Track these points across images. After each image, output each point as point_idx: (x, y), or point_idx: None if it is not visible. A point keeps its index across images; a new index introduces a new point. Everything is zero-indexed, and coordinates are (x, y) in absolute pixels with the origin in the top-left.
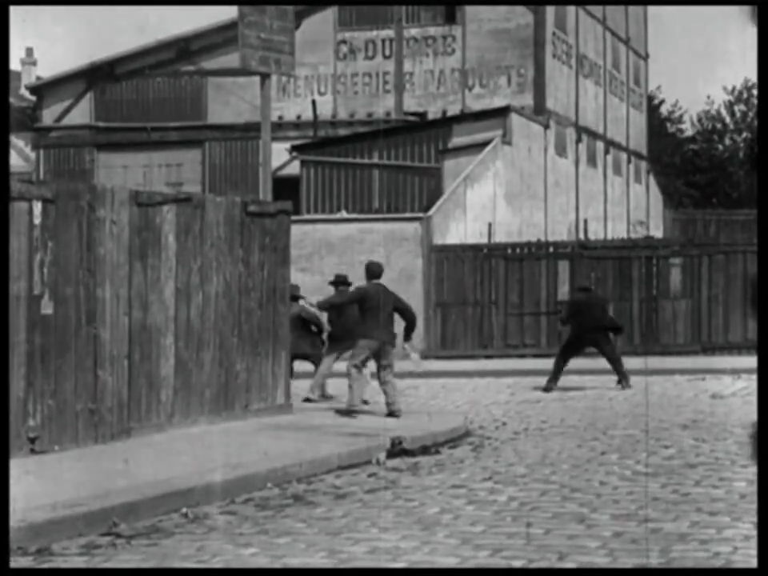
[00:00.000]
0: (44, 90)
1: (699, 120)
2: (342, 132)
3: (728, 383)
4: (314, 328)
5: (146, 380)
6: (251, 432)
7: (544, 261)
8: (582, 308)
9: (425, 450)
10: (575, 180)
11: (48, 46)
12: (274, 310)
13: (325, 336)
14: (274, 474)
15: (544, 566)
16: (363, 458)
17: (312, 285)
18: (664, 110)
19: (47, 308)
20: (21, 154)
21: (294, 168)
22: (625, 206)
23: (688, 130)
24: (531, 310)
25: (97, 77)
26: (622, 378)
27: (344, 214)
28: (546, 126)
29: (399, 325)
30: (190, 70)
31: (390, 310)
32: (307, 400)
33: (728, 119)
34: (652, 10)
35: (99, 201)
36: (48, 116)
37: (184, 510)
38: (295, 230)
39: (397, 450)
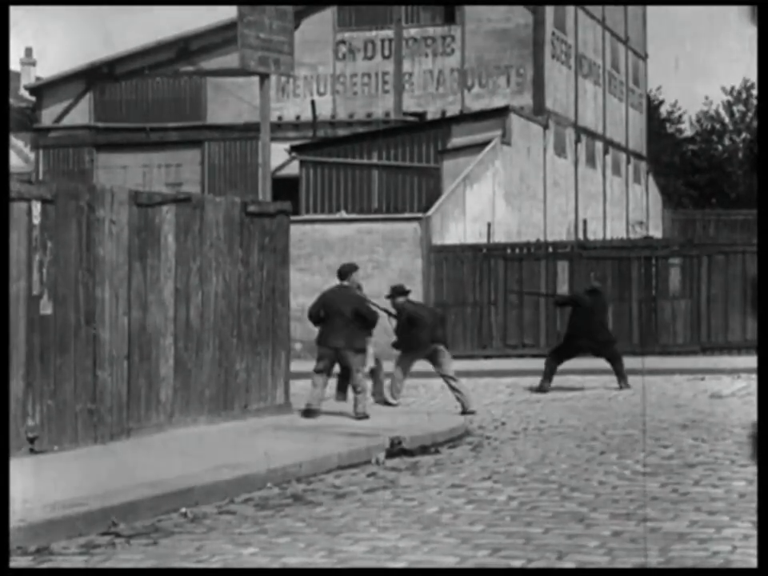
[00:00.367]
0: (43, 90)
1: (698, 120)
2: (342, 132)
3: (727, 383)
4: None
5: (146, 380)
6: (250, 432)
7: (543, 261)
8: (584, 311)
9: (424, 450)
10: (574, 180)
11: (47, 46)
12: (273, 310)
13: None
14: (274, 474)
15: (543, 566)
16: (363, 458)
17: (311, 285)
18: (663, 110)
19: (46, 308)
20: (20, 154)
21: (294, 168)
22: (624, 206)
23: (687, 130)
24: (531, 309)
25: (96, 77)
26: (622, 379)
27: (343, 215)
28: (546, 126)
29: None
30: (190, 71)
31: (347, 314)
32: (387, 404)
33: (727, 119)
34: (651, 10)
35: (98, 201)
36: (47, 116)
37: (183, 509)
38: (294, 230)
39: (396, 449)
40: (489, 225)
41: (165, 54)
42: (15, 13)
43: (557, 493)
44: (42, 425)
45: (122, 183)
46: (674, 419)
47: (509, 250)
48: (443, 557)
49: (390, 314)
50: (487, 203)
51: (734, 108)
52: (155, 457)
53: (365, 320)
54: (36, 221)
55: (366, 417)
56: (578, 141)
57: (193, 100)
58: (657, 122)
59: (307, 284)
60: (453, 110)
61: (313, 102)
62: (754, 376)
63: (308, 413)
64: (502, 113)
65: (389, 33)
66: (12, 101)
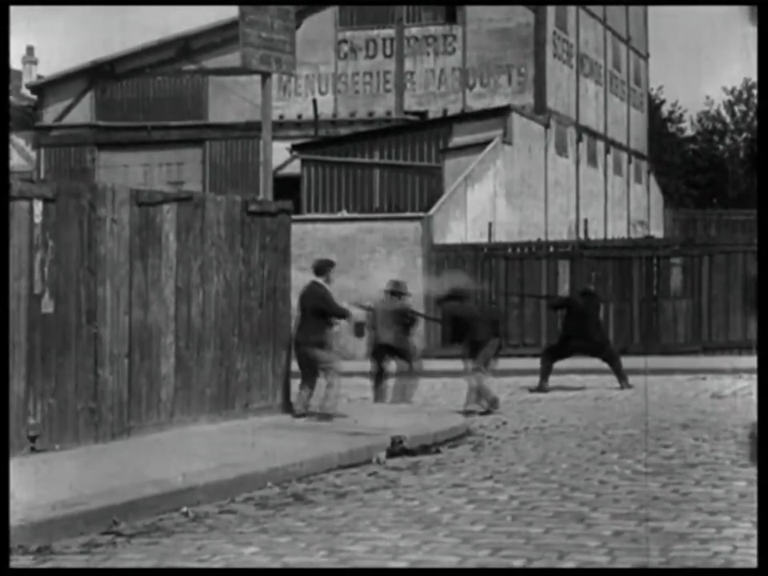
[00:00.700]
0: (45, 88)
1: (699, 120)
2: (343, 131)
3: (728, 383)
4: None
5: (147, 379)
6: (251, 431)
7: (544, 260)
8: (579, 314)
9: (425, 449)
10: (576, 180)
11: (49, 44)
12: (274, 309)
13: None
14: (274, 473)
15: (544, 566)
16: (363, 457)
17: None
18: (664, 109)
19: (48, 307)
20: (21, 153)
21: (295, 167)
22: (625, 206)
23: (688, 129)
24: (532, 309)
25: (98, 76)
26: (622, 378)
27: (344, 214)
28: (547, 126)
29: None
30: (191, 69)
31: (308, 309)
32: (469, 413)
33: (728, 119)
34: (653, 9)
35: (100, 200)
36: (49, 115)
37: (184, 508)
38: (296, 229)
39: (397, 449)
40: (490, 224)
41: (166, 53)
42: (16, 12)
43: (558, 492)
44: (43, 424)
45: (124, 182)
46: (675, 419)
47: (510, 250)
48: (444, 556)
49: (426, 317)
50: (488, 203)
51: (735, 108)
52: (156, 456)
53: (325, 315)
54: (37, 219)
55: (327, 417)
56: (579, 140)
57: (194, 99)
58: (658, 121)
59: None
60: (454, 110)
61: (314, 101)
62: (755, 376)
63: (298, 415)
64: (503, 112)
65: (390, 32)
66: (13, 99)
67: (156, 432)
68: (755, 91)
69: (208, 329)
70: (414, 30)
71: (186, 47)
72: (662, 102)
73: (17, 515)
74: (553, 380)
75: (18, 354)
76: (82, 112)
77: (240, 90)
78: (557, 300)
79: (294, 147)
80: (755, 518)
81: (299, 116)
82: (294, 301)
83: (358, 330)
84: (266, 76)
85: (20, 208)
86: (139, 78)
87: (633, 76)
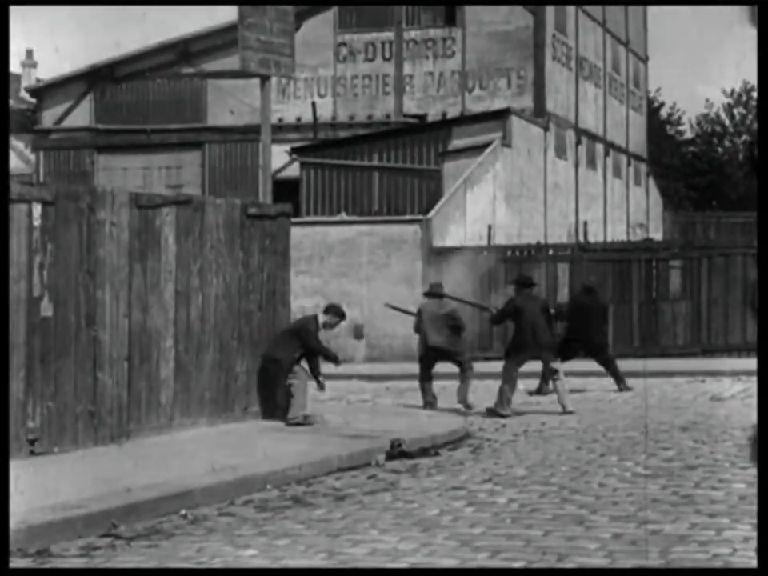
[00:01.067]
0: (44, 92)
1: (698, 123)
2: (342, 134)
3: (727, 385)
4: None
5: (146, 382)
6: (251, 434)
7: (544, 263)
8: (583, 313)
9: (424, 452)
10: (575, 182)
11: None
12: (273, 312)
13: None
14: (274, 476)
15: (543, 567)
16: (362, 460)
17: (312, 287)
18: (663, 112)
19: (47, 310)
20: (21, 156)
21: (294, 170)
22: (624, 209)
23: (687, 132)
24: None
25: (97, 79)
26: (620, 381)
27: (344, 217)
28: (546, 129)
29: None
30: (190, 72)
31: (290, 332)
32: (494, 413)
33: (727, 122)
34: (652, 12)
35: (99, 203)
36: (48, 118)
37: (183, 511)
38: (295, 232)
39: (396, 451)
40: (489, 227)
41: (165, 56)
42: (16, 13)
43: (557, 495)
44: (43, 426)
45: (123, 185)
46: (674, 421)
47: (509, 252)
48: (443, 559)
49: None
50: (488, 205)
51: (735, 110)
52: (155, 459)
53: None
54: (36, 223)
55: (297, 424)
56: (578, 143)
57: (193, 102)
58: (657, 123)
59: (308, 286)
60: (453, 112)
61: (313, 104)
62: (755, 378)
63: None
64: (502, 115)
65: (389, 35)
66: (13, 102)
67: (155, 435)
68: (754, 94)
69: (207, 332)
70: (413, 33)
71: (185, 50)
72: (661, 104)
73: (16, 518)
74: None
75: (17, 357)
76: (82, 115)
77: (239, 93)
78: (566, 313)
79: (293, 150)
80: (755, 520)
81: (298, 119)
82: (294, 304)
83: (357, 332)
84: (264, 79)
85: (19, 211)
86: (138, 81)
87: (632, 79)
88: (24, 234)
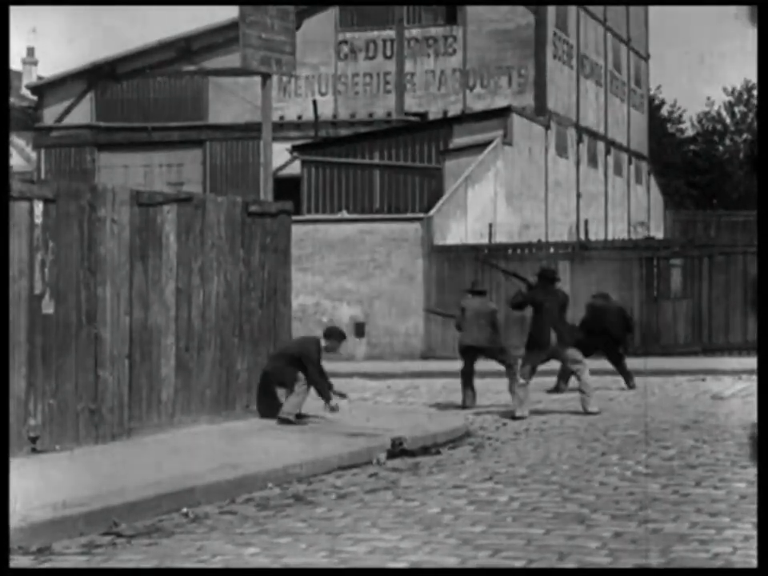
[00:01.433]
0: (45, 89)
1: (699, 121)
2: (343, 132)
3: (728, 384)
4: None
5: (147, 380)
6: (252, 432)
7: (544, 261)
8: (600, 313)
9: (425, 451)
10: (576, 180)
11: (49, 45)
12: (274, 310)
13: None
14: (275, 474)
15: (544, 566)
16: (364, 459)
17: (312, 285)
18: (664, 110)
19: (48, 308)
20: (22, 153)
21: (295, 168)
22: (625, 207)
23: (688, 130)
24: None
25: (98, 76)
26: (629, 379)
27: (345, 215)
28: (547, 127)
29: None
30: (191, 70)
31: (292, 355)
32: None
33: (728, 120)
34: (653, 10)
35: (100, 200)
36: (49, 116)
37: (184, 509)
38: (296, 230)
39: (397, 450)
40: (490, 225)
41: (166, 54)
42: (16, 12)
43: (558, 494)
44: (44, 424)
45: (124, 183)
46: (675, 420)
47: (510, 251)
48: (444, 557)
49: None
50: (489, 203)
51: (735, 109)
52: (156, 457)
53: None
54: (38, 220)
55: (287, 421)
56: (579, 141)
57: (194, 100)
58: (657, 121)
59: (309, 284)
60: (454, 111)
61: (314, 102)
62: (755, 377)
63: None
64: (503, 113)
65: (390, 33)
66: (13, 100)
67: (156, 433)
68: (755, 92)
69: (208, 330)
70: (415, 32)
71: (186, 48)
72: (662, 102)
73: (17, 516)
74: (553, 381)
75: (18, 354)
76: (82, 113)
77: (240, 91)
78: (586, 316)
79: (294, 148)
80: (755, 520)
81: (299, 117)
82: (295, 302)
83: (358, 330)
84: (266, 77)
85: (20, 209)
86: (139, 79)
87: (633, 77)
88: (25, 232)
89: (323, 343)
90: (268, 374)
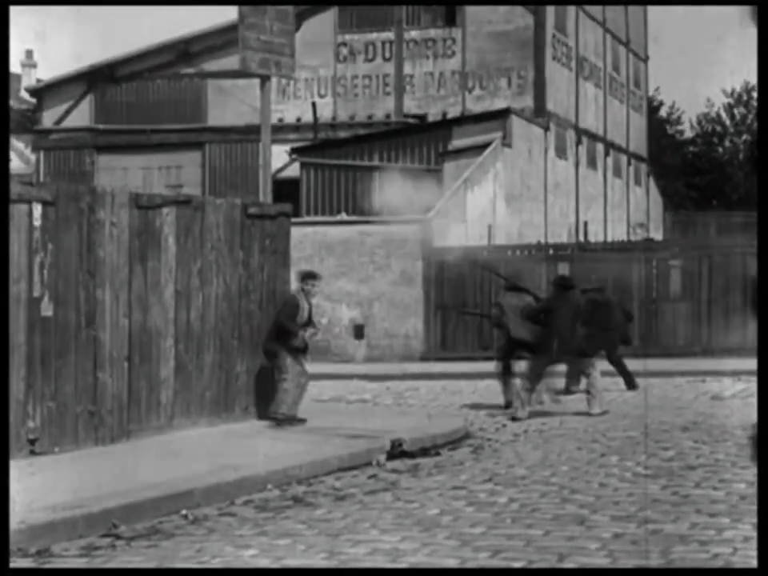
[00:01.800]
0: (44, 92)
1: (699, 122)
2: (342, 134)
3: (728, 385)
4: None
5: (146, 382)
6: (251, 434)
7: (544, 263)
8: (604, 308)
9: (424, 452)
10: (575, 182)
11: (48, 48)
12: (274, 312)
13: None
14: (274, 476)
15: (544, 567)
16: (363, 460)
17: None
18: (663, 111)
19: (47, 310)
20: (21, 156)
21: (294, 170)
22: (625, 208)
23: (687, 131)
24: None
25: (97, 79)
26: (630, 379)
27: (344, 217)
28: (546, 128)
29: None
30: (190, 73)
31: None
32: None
33: (728, 122)
34: (652, 12)
35: (99, 203)
36: (48, 118)
37: (184, 511)
38: (295, 232)
39: (397, 451)
40: (489, 227)
41: (165, 56)
42: (15, 13)
43: (557, 495)
44: (43, 426)
45: (123, 185)
46: (674, 421)
47: (510, 252)
48: (444, 559)
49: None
50: (488, 205)
51: (735, 110)
52: (155, 459)
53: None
54: (37, 223)
55: (274, 420)
56: (578, 143)
57: (193, 102)
58: (657, 123)
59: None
60: (454, 112)
61: (314, 104)
62: (755, 378)
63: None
64: (502, 115)
65: (389, 35)
66: (13, 102)
67: (155, 435)
68: (755, 94)
69: (207, 332)
70: (414, 33)
71: (185, 50)
72: (660, 103)
73: (16, 518)
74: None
75: (17, 356)
76: (81, 115)
77: (239, 93)
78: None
79: (294, 150)
80: (755, 520)
81: (298, 119)
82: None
83: (358, 332)
84: (265, 79)
85: (19, 211)
86: (138, 81)
87: (632, 78)
88: (24, 234)
89: (303, 287)
90: (264, 365)
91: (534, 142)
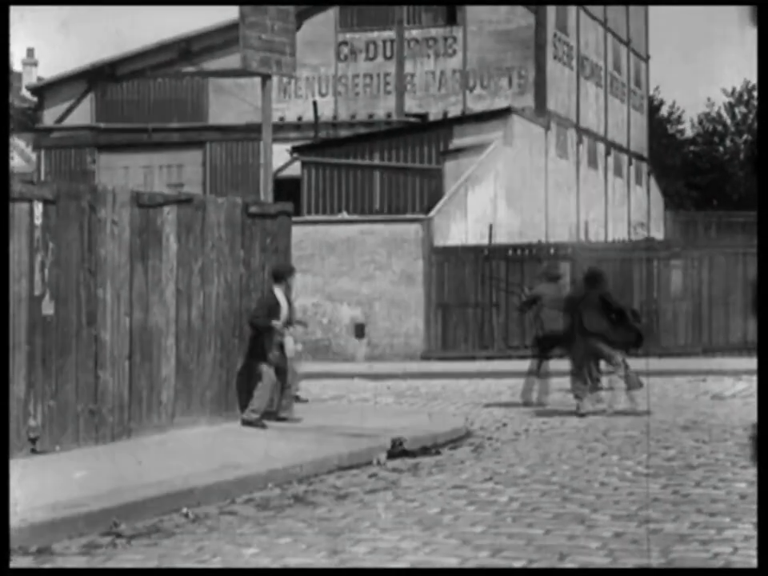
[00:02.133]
0: (45, 90)
1: (700, 122)
2: (343, 133)
3: (728, 384)
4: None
5: (147, 381)
6: (252, 432)
7: (545, 262)
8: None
9: (425, 451)
10: (576, 181)
11: (49, 46)
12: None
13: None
14: (275, 475)
15: (544, 567)
16: (364, 459)
17: (313, 286)
18: (664, 111)
19: (48, 309)
20: (22, 154)
21: (295, 169)
22: (625, 208)
23: (687, 131)
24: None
25: (98, 77)
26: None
27: (345, 216)
28: (547, 128)
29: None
30: (191, 71)
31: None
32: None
33: (728, 121)
34: (653, 11)
35: (100, 202)
36: (49, 117)
37: (185, 510)
38: (296, 231)
39: (397, 450)
40: (490, 226)
41: (167, 55)
42: (16, 13)
43: (558, 494)
44: (44, 425)
45: (124, 184)
46: (675, 420)
47: (510, 252)
48: (444, 558)
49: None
50: (489, 204)
51: (736, 110)
52: (156, 457)
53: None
54: (38, 221)
55: (248, 423)
56: (579, 142)
57: (194, 101)
58: (656, 122)
59: (309, 285)
60: (454, 111)
61: (314, 103)
62: (755, 377)
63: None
64: (503, 114)
65: (390, 34)
66: (13, 101)
67: (156, 434)
68: (755, 93)
69: (208, 331)
70: (415, 32)
71: (186, 49)
72: (661, 102)
73: (17, 516)
74: (553, 383)
75: (18, 355)
76: (83, 114)
77: (240, 92)
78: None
79: (294, 149)
80: (755, 520)
81: (299, 118)
82: (295, 303)
83: (358, 331)
84: (266, 78)
85: (20, 210)
86: (139, 80)
87: (633, 78)
88: (25, 233)
89: (277, 288)
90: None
91: (534, 141)
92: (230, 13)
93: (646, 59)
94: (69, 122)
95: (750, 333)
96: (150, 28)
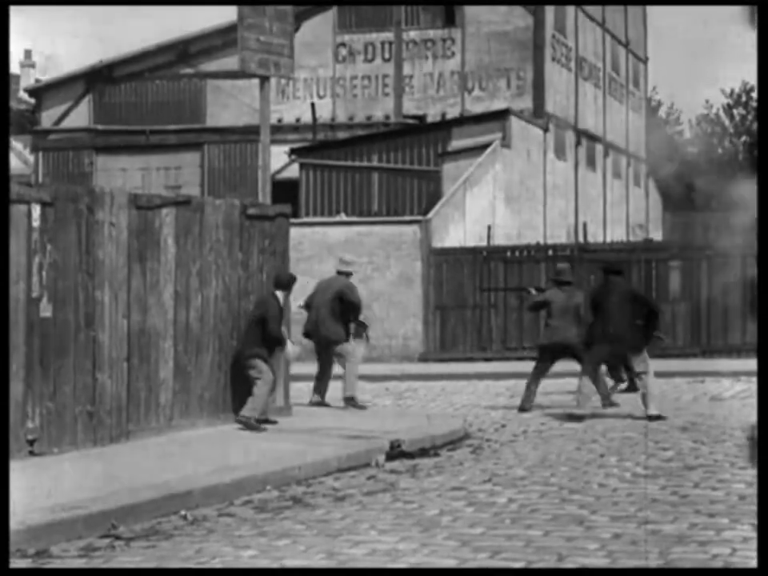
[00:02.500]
0: (43, 92)
1: (699, 123)
2: (341, 135)
3: (727, 386)
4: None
5: (145, 383)
6: (250, 434)
7: (543, 264)
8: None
9: (424, 453)
10: (574, 183)
11: (47, 48)
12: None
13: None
14: (273, 477)
15: (543, 568)
16: (362, 461)
17: (311, 288)
18: (662, 112)
19: (46, 311)
20: (20, 156)
21: (293, 171)
22: (624, 209)
23: (686, 132)
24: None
25: (96, 79)
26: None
27: (343, 217)
28: (546, 129)
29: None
30: (189, 73)
31: (256, 319)
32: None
33: (727, 122)
34: (651, 12)
35: (98, 204)
36: (47, 119)
37: (183, 512)
38: (294, 232)
39: (396, 452)
40: (489, 228)
41: (165, 57)
42: (15, 14)
43: (557, 495)
44: (42, 427)
45: (122, 186)
46: (673, 422)
47: (509, 253)
48: (443, 559)
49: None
50: (487, 206)
51: (734, 111)
52: (154, 459)
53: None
54: (35, 223)
55: (244, 424)
56: (578, 143)
57: (192, 103)
58: (654, 124)
59: (307, 287)
60: (453, 113)
61: (313, 105)
62: (754, 379)
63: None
64: (502, 116)
65: (389, 35)
66: (11, 103)
67: (154, 436)
68: (754, 94)
69: (207, 333)
70: (413, 34)
71: (184, 51)
72: (659, 103)
73: (15, 518)
74: (552, 384)
75: (16, 357)
76: (80, 116)
77: (238, 94)
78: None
79: (293, 151)
80: (754, 521)
81: (298, 120)
82: (294, 305)
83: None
84: (264, 79)
85: (18, 212)
86: (137, 82)
87: (632, 79)
88: (23, 235)
89: (281, 294)
90: (234, 356)
91: (533, 142)
92: (228, 14)
93: (645, 60)
94: (66, 123)
95: (748, 334)
96: (148, 29)
